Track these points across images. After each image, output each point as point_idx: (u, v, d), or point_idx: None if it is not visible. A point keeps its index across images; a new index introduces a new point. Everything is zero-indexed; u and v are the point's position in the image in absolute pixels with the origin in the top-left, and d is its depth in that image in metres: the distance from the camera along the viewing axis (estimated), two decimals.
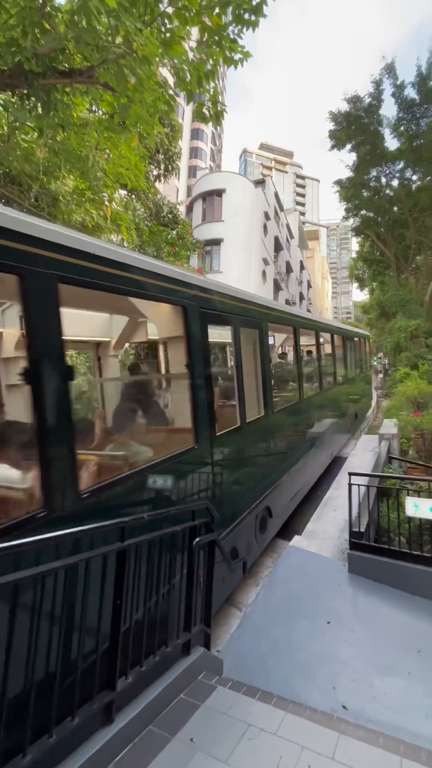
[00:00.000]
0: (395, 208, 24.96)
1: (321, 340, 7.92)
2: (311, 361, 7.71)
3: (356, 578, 4.37)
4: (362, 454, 9.64)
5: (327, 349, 8.70)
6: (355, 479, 4.68)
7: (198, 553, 2.70)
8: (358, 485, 4.66)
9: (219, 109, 6.01)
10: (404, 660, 3.21)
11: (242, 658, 3.27)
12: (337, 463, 9.06)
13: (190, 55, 5.69)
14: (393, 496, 5.33)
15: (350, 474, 4.75)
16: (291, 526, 5.85)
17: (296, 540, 5.23)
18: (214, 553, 2.93)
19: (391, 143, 23.09)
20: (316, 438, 7.36)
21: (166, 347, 4.97)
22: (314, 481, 7.24)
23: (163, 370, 6.11)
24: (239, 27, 5.44)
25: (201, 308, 3.40)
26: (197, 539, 2.65)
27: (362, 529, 4.52)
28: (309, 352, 7.75)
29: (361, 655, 3.27)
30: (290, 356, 7.04)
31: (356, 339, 12.24)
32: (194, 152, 47.75)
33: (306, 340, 7.50)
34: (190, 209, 27.06)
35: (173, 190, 30.25)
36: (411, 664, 3.16)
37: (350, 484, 4.64)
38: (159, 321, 3.71)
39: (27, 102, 5.55)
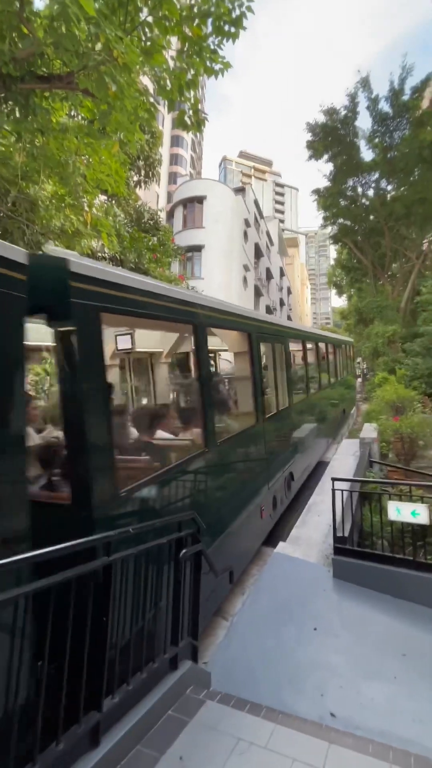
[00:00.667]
0: (371, 217, 25.66)
1: (321, 347, 10.61)
2: (315, 365, 9.85)
3: (341, 583, 4.40)
4: (344, 459, 9.78)
5: (324, 354, 11.10)
6: (338, 484, 4.73)
7: (185, 565, 2.66)
8: (342, 490, 4.70)
9: (201, 117, 6.06)
10: (390, 664, 3.24)
11: (230, 669, 3.23)
12: (319, 467, 9.16)
13: (171, 63, 5.72)
14: (375, 500, 5.41)
15: (333, 479, 4.80)
16: (276, 533, 5.86)
17: (281, 546, 5.24)
18: (201, 565, 2.90)
19: (367, 154, 23.78)
20: (323, 421, 10.15)
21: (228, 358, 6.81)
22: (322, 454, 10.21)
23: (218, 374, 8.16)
24: (219, 38, 5.51)
25: (257, 333, 5.47)
26: (184, 551, 2.61)
27: (346, 534, 4.56)
28: (315, 358, 10.02)
29: (347, 661, 3.29)
30: (300, 362, 8.95)
31: (343, 346, 15.31)
32: (174, 159, 47.98)
33: (312, 348, 9.82)
34: (170, 215, 27.12)
35: (154, 197, 30.24)
36: (396, 668, 3.19)
37: (333, 490, 4.68)
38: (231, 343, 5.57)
39: (5, 106, 5.46)
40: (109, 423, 2.44)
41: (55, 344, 2.26)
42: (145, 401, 6.51)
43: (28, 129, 5.83)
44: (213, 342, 5.07)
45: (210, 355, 5.50)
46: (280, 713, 2.43)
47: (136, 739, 2.06)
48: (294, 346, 7.82)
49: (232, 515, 4.23)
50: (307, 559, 4.91)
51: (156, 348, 6.37)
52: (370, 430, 9.90)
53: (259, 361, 5.57)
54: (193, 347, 4.03)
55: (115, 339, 4.76)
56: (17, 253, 1.82)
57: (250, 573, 5.01)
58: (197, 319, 3.77)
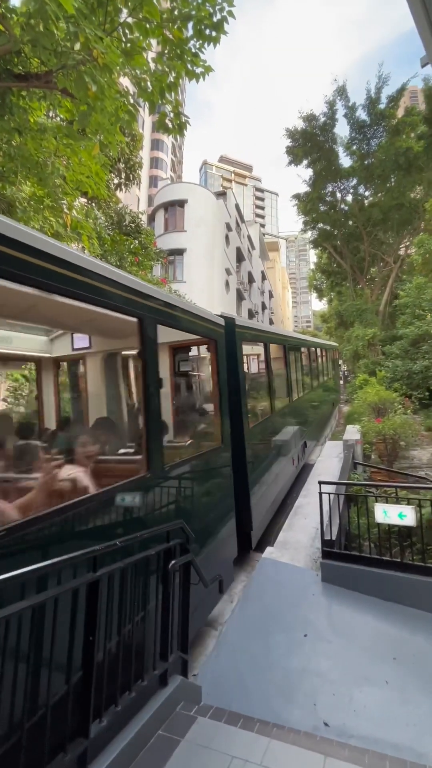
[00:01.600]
0: (350, 222, 26.20)
1: (316, 351, 13.71)
2: (309, 367, 11.92)
3: (329, 587, 4.39)
4: (328, 461, 9.85)
5: (316, 358, 13.62)
6: (325, 488, 4.72)
7: (174, 576, 2.58)
8: (329, 494, 4.70)
9: (182, 120, 6.02)
10: (381, 669, 3.23)
11: (220, 680, 3.15)
12: (305, 470, 9.19)
13: (152, 66, 5.67)
14: (362, 502, 5.43)
15: (320, 483, 4.79)
16: (263, 537, 5.81)
17: (269, 551, 5.20)
18: (190, 575, 2.82)
19: (345, 161, 24.26)
20: (320, 406, 13.27)
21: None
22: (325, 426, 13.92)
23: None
24: (200, 42, 5.50)
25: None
26: (173, 562, 2.53)
27: (333, 537, 4.55)
28: (309, 361, 12.07)
29: (338, 667, 3.26)
30: (301, 364, 10.58)
31: (331, 350, 18.80)
32: (155, 162, 47.90)
33: (306, 353, 11.70)
34: (152, 219, 26.99)
35: (134, 200, 30.04)
36: (388, 673, 3.17)
37: (321, 493, 4.67)
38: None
39: None
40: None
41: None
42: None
43: (4, 128, 5.67)
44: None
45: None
46: (273, 726, 2.37)
47: (125, 764, 1.96)
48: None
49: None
50: (295, 564, 4.88)
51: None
52: (353, 432, 10.01)
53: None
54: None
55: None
56: (221, 318, 4.80)
57: (239, 579, 4.95)
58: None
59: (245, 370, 5.46)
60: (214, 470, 4.21)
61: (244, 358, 5.51)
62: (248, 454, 5.14)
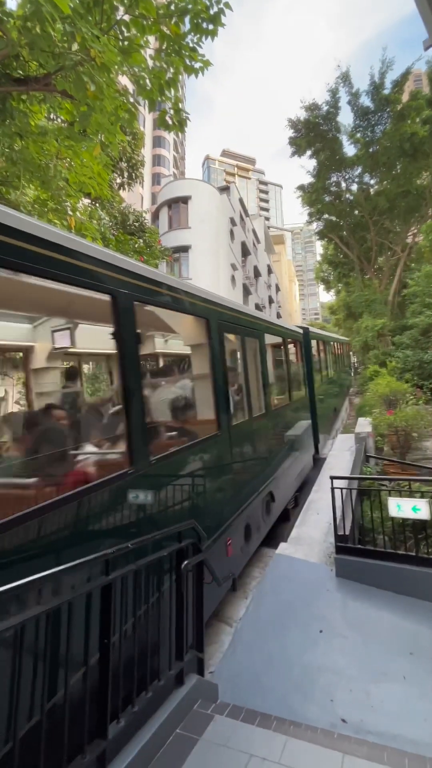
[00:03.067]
0: (356, 212, 25.81)
1: (341, 345, 18.67)
2: (336, 355, 16.28)
3: (344, 582, 4.37)
4: (340, 454, 9.78)
5: (341, 347, 18.78)
6: (337, 483, 4.69)
7: (186, 576, 2.59)
8: (341, 488, 4.67)
9: (182, 117, 5.98)
10: (398, 664, 3.21)
11: (236, 678, 3.17)
12: (316, 464, 9.14)
13: (150, 63, 5.63)
14: (375, 496, 5.38)
15: (332, 478, 4.76)
16: (276, 533, 5.81)
17: (282, 547, 5.19)
18: (203, 575, 2.82)
19: (350, 149, 23.87)
20: (343, 382, 17.87)
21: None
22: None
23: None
24: (198, 36, 5.44)
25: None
26: (185, 562, 2.53)
27: (347, 532, 4.52)
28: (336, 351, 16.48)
29: (355, 662, 3.24)
30: (333, 354, 15.27)
31: (346, 344, 22.37)
32: (157, 160, 47.75)
33: (334, 346, 15.99)
34: (156, 217, 26.95)
35: (138, 198, 30.05)
36: (405, 668, 3.15)
37: (333, 488, 4.64)
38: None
39: None
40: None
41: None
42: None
43: (6, 133, 5.69)
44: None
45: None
46: (291, 724, 2.37)
47: (144, 764, 1.98)
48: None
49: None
50: (308, 560, 4.86)
51: None
52: (364, 425, 9.92)
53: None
54: None
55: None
56: (301, 328, 9.72)
57: (252, 575, 4.96)
58: None
59: (314, 356, 10.25)
60: (303, 409, 8.66)
61: (312, 350, 10.08)
62: (316, 404, 9.68)
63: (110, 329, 2.59)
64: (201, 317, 3.93)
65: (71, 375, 4.26)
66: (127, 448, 2.56)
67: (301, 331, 9.23)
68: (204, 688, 2.63)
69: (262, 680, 3.13)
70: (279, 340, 7.25)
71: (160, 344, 4.72)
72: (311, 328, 10.37)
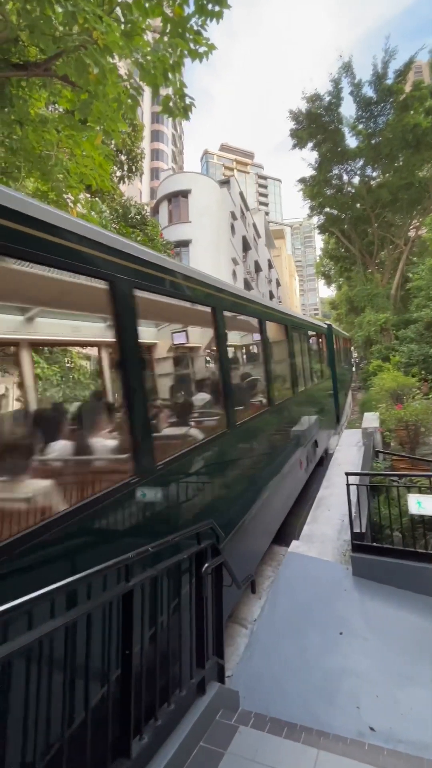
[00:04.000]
0: (358, 205, 25.50)
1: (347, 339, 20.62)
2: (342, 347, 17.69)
3: (361, 581, 4.24)
4: (347, 449, 9.66)
5: (346, 341, 20.62)
6: (352, 479, 4.55)
7: (206, 580, 2.45)
8: (356, 485, 4.53)
9: (186, 102, 5.78)
10: (423, 667, 3.08)
11: (256, 683, 3.04)
12: (324, 459, 9.01)
13: (153, 46, 5.44)
14: (387, 492, 5.25)
15: (347, 474, 4.62)
16: (286, 530, 5.68)
17: (295, 545, 5.07)
18: (222, 577, 2.69)
19: (352, 141, 23.54)
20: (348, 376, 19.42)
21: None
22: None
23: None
24: (203, 18, 5.25)
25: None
26: (206, 565, 2.40)
27: (363, 530, 4.39)
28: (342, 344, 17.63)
29: (378, 666, 3.12)
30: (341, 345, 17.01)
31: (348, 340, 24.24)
32: (155, 154, 47.35)
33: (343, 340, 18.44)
34: (155, 211, 26.67)
35: (136, 193, 29.73)
36: (431, 671, 3.03)
37: (348, 484, 4.50)
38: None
39: None
40: None
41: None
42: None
43: (5, 121, 5.51)
44: None
45: None
46: (320, 735, 2.25)
47: None
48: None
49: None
50: (322, 558, 4.74)
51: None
52: (372, 420, 9.77)
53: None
54: None
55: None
56: (327, 324, 13.27)
57: (265, 575, 4.83)
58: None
59: (335, 348, 12.83)
60: (328, 387, 11.20)
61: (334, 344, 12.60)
62: (337, 379, 12.59)
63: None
64: (281, 324, 6.30)
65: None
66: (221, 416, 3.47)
67: (326, 326, 12.41)
68: (226, 696, 2.51)
69: (282, 685, 3.01)
70: (315, 333, 9.96)
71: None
72: (333, 326, 14.33)
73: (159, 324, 3.42)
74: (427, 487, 4.52)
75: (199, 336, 4.01)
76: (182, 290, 3.07)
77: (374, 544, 4.39)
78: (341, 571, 4.42)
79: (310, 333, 9.21)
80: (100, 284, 2.18)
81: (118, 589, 1.74)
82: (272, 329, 5.83)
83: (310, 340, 9.25)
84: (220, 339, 3.66)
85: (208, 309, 3.56)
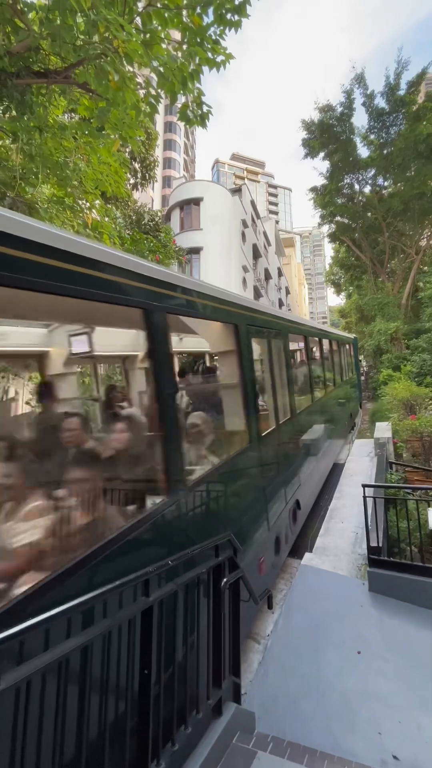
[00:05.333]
0: (369, 214, 25.46)
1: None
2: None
3: (378, 597, 4.10)
4: (359, 460, 9.49)
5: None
6: (368, 491, 4.43)
7: (224, 595, 2.36)
8: (374, 497, 4.41)
9: (204, 110, 5.81)
10: None
11: (271, 703, 2.93)
12: (334, 470, 8.86)
13: (172, 54, 5.48)
14: (403, 506, 5.10)
15: (364, 486, 4.50)
16: (297, 541, 5.55)
17: (308, 558, 4.94)
18: (239, 592, 2.60)
19: (363, 151, 23.57)
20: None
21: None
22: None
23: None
24: (221, 28, 5.28)
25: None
26: (224, 579, 2.31)
27: (380, 543, 4.26)
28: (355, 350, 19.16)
29: (400, 689, 2.98)
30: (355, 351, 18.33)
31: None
32: (168, 162, 47.93)
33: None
34: (167, 218, 26.88)
35: (148, 200, 30.05)
36: None
37: (365, 497, 4.38)
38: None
39: (0, 104, 5.19)
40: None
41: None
42: None
43: (24, 127, 5.57)
44: None
45: None
46: (344, 764, 2.13)
47: None
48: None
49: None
50: (337, 572, 4.61)
51: None
52: (384, 429, 9.61)
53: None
54: None
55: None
56: (352, 335, 17.98)
57: (278, 588, 4.70)
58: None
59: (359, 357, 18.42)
60: (355, 384, 15.23)
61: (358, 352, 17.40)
62: (360, 380, 17.78)
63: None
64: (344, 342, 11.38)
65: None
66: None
67: (352, 338, 15.68)
68: (242, 718, 2.40)
69: (299, 706, 2.89)
70: (347, 344, 13.25)
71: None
72: (355, 337, 18.03)
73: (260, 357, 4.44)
74: None
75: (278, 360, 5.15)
76: (271, 327, 4.67)
77: (394, 559, 4.25)
78: (357, 585, 4.29)
79: (345, 343, 13.08)
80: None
81: (138, 604, 1.66)
82: (332, 345, 9.54)
83: (346, 348, 13.04)
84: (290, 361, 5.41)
85: (282, 338, 5.18)
